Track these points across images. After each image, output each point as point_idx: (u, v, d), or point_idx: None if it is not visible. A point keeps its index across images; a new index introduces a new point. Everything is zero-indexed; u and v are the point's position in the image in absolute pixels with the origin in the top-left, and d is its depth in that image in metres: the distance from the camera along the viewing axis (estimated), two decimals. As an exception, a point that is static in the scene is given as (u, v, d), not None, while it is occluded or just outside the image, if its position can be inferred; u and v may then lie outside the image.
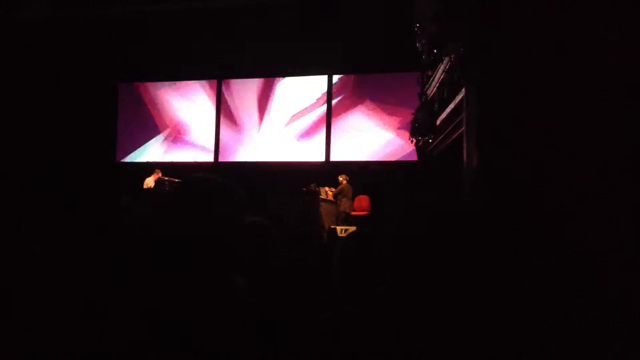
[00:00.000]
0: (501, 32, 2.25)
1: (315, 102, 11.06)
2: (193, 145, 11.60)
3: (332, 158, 10.79)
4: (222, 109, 11.53)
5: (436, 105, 3.61)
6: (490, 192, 2.09)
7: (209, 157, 11.45)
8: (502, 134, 2.14)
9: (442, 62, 3.27)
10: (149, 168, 10.23)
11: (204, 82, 11.64)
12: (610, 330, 1.74)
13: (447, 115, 3.22)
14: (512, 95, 2.20)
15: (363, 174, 9.86)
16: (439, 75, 3.45)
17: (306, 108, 11.10)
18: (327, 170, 10.24)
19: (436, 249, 1.13)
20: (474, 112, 2.33)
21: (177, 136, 11.67)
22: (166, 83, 11.73)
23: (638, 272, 1.80)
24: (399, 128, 10.03)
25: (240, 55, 10.84)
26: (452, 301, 1.08)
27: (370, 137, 10.58)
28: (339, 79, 10.97)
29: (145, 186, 9.73)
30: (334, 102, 10.94)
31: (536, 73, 2.18)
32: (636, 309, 1.76)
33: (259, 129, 11.33)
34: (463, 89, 2.61)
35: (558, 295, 1.73)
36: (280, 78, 11.29)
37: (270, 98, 11.34)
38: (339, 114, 10.90)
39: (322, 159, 10.84)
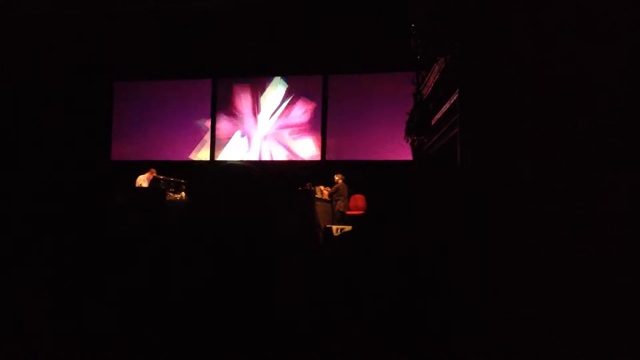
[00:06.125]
0: (495, 32, 2.26)
1: (311, 102, 11.06)
2: (189, 143, 11.58)
3: (328, 157, 10.80)
4: (218, 108, 11.52)
5: (431, 105, 3.63)
6: (481, 191, 2.11)
7: (205, 156, 11.44)
8: (495, 134, 2.16)
9: (437, 62, 3.28)
10: (143, 166, 10.18)
11: (198, 81, 11.62)
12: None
13: (442, 115, 3.24)
14: (506, 96, 2.22)
15: (359, 174, 9.86)
16: (433, 75, 3.47)
17: (302, 107, 11.11)
18: (323, 169, 10.24)
19: (429, 245, 1.14)
20: (468, 112, 2.35)
21: (171, 135, 11.65)
22: (161, 82, 11.70)
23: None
24: (394, 127, 10.04)
25: (236, 55, 10.83)
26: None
27: (366, 136, 10.59)
28: (334, 78, 10.97)
29: (137, 184, 9.64)
30: (329, 101, 10.94)
31: (530, 73, 2.20)
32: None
33: (255, 127, 11.33)
34: (457, 89, 2.62)
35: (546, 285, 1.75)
36: (276, 77, 11.29)
37: (266, 97, 11.34)
38: (334, 113, 10.91)
39: (318, 158, 10.86)
